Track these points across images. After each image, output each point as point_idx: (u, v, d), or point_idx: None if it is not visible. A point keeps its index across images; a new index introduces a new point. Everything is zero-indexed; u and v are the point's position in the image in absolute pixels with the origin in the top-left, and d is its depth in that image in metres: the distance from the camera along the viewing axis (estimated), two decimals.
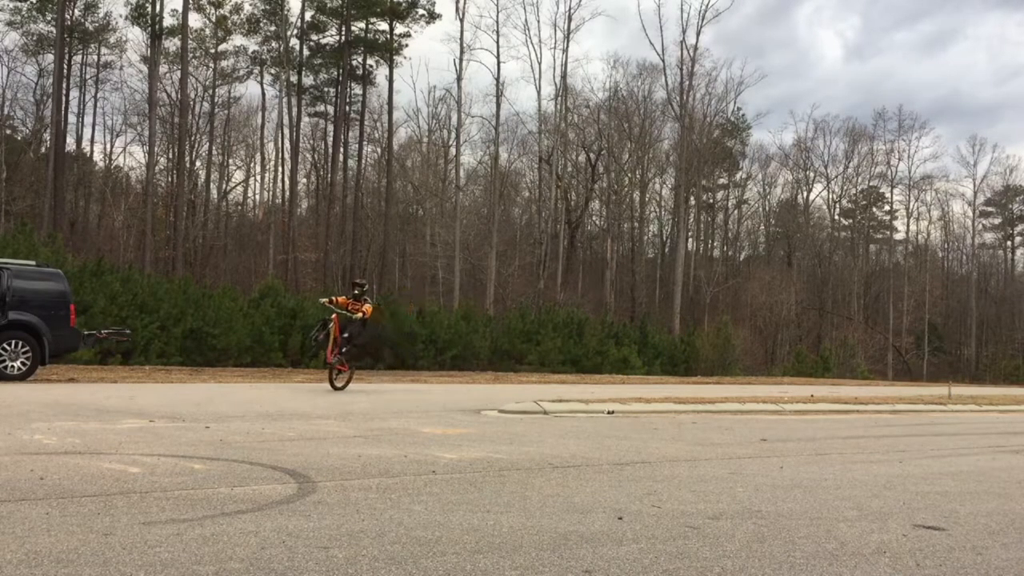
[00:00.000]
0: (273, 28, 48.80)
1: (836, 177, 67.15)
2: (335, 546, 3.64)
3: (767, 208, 69.71)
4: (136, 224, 44.67)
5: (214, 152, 52.03)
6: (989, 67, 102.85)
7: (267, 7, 48.23)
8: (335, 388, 15.04)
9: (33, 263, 17.05)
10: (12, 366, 15.29)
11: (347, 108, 49.51)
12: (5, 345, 15.25)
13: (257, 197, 58.17)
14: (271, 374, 23.26)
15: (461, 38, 45.93)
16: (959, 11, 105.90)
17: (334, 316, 14.81)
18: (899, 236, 71.40)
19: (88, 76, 48.67)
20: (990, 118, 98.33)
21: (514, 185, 60.56)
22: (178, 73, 45.02)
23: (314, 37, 49.28)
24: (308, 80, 50.33)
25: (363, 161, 52.82)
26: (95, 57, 48.46)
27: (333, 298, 15.39)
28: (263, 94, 52.82)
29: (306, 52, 49.05)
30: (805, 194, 68.11)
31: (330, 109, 51.14)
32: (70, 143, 47.27)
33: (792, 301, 57.44)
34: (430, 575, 3.28)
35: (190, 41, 44.73)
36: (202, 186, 51.27)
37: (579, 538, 3.96)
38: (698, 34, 50.55)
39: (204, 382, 18.23)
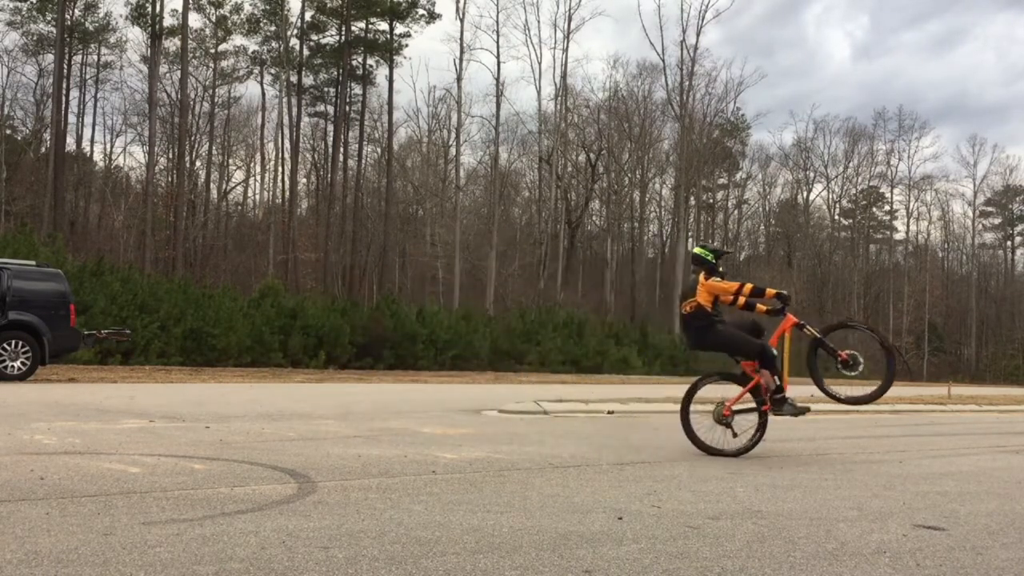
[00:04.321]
0: (273, 28, 48.82)
1: (836, 177, 67.25)
2: (335, 546, 3.64)
3: (767, 208, 69.79)
4: (136, 224, 44.66)
5: (214, 152, 52.09)
6: (997, 67, 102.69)
7: (267, 7, 48.26)
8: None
9: (33, 263, 17.06)
10: (12, 366, 15.29)
11: (347, 108, 49.52)
12: (5, 345, 15.25)
13: (257, 197, 58.23)
14: (271, 374, 23.27)
15: (461, 38, 46.03)
16: (968, 11, 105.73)
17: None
18: (899, 236, 71.54)
19: (88, 76, 48.73)
20: (997, 118, 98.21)
21: (514, 185, 60.56)
22: (178, 73, 45.07)
23: (314, 37, 49.30)
24: (308, 80, 50.38)
25: (363, 161, 52.87)
26: (95, 57, 48.50)
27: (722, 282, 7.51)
28: (263, 94, 52.89)
29: (306, 52, 49.08)
30: (805, 194, 68.21)
31: (330, 109, 51.18)
32: (70, 143, 47.34)
33: (792, 301, 57.40)
34: (430, 575, 3.28)
35: (190, 41, 44.75)
36: (202, 186, 51.28)
37: (579, 538, 3.96)
38: (698, 34, 50.67)
39: (204, 382, 18.23)
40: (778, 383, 7.29)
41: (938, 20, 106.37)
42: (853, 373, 7.00)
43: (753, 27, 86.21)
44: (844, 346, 7.26)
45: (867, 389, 7.20)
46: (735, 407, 7.29)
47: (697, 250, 7.71)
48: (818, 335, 7.29)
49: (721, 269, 7.56)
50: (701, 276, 7.43)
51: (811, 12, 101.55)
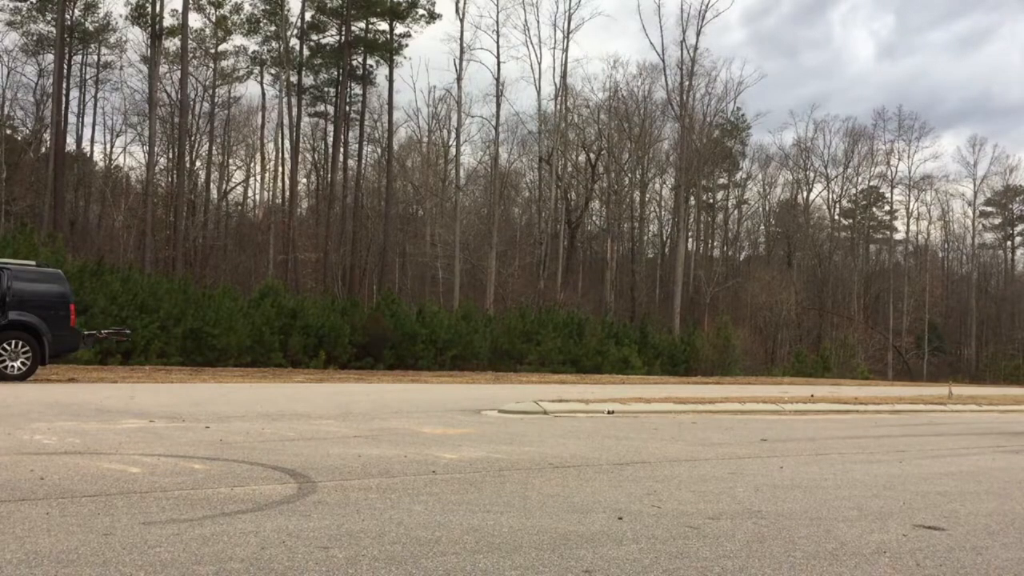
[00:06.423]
0: (273, 28, 48.81)
1: (836, 177, 67.24)
2: (335, 546, 3.64)
3: (767, 208, 69.80)
4: (136, 224, 44.66)
5: (214, 152, 52.09)
6: (1022, 67, 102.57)
7: (267, 7, 48.25)
8: None
9: (33, 263, 17.05)
10: (12, 366, 15.29)
11: (347, 108, 49.52)
12: (5, 345, 15.25)
13: (257, 197, 58.23)
14: (271, 374, 23.26)
15: (461, 38, 46.00)
16: (995, 10, 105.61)
17: None
18: (899, 236, 71.58)
19: (88, 76, 48.78)
20: (1019, 118, 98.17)
21: (514, 185, 60.57)
22: (178, 73, 45.07)
23: (314, 37, 49.30)
24: (308, 80, 50.38)
25: (363, 161, 52.86)
26: (95, 57, 48.55)
27: None
28: (263, 94, 52.90)
29: (306, 52, 49.08)
30: (805, 194, 68.20)
31: (330, 109, 51.16)
32: (70, 143, 47.36)
33: (792, 301, 57.43)
34: (430, 575, 3.28)
35: (190, 41, 44.74)
36: (202, 186, 51.28)
37: (579, 538, 3.96)
38: (698, 34, 50.57)
39: (204, 382, 18.23)
40: None
41: (964, 19, 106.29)
42: None
43: (779, 26, 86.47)
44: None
45: None
46: None
47: None
48: None
49: None
50: None
51: (837, 12, 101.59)
